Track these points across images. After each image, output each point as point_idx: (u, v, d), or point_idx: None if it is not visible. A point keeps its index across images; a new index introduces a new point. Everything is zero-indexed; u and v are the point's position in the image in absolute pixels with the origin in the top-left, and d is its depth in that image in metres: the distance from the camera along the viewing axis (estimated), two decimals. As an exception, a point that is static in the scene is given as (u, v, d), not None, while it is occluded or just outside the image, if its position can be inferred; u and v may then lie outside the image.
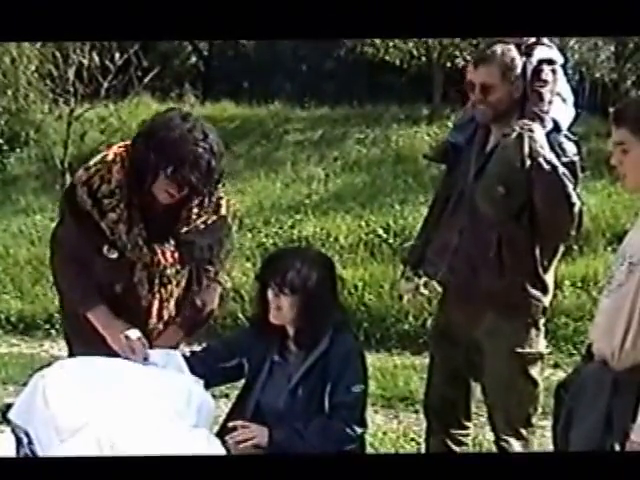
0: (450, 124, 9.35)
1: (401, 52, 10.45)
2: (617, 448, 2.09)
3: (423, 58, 10.61)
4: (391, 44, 10.36)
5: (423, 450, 3.14)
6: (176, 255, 2.65)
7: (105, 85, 9.12)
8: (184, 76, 14.38)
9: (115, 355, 2.58)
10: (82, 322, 2.62)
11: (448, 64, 10.19)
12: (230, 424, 2.54)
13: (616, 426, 2.10)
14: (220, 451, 2.38)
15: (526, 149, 2.53)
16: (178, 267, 2.66)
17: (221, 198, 2.69)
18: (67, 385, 2.38)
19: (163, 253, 2.62)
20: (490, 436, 3.34)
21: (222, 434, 2.55)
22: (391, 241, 6.49)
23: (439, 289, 2.90)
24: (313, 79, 13.20)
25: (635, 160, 2.14)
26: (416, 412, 4.05)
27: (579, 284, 5.61)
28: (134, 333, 2.59)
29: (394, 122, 10.15)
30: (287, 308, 2.53)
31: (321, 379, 2.51)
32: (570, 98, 2.79)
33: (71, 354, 2.74)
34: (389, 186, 8.17)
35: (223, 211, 2.69)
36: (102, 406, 2.34)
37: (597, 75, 9.94)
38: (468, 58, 9.47)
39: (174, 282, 2.67)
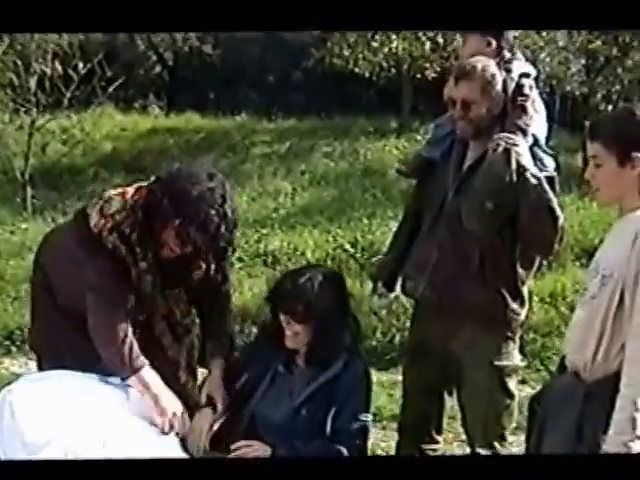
0: (419, 137, 9.44)
1: (370, 64, 10.40)
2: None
3: (392, 70, 10.60)
4: (360, 56, 10.31)
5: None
6: (186, 306, 2.64)
7: (68, 95, 8.98)
8: (148, 86, 14.28)
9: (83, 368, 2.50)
10: (57, 337, 2.57)
11: (418, 76, 10.15)
12: (233, 446, 2.48)
13: (587, 437, 2.11)
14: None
15: (513, 164, 2.54)
16: (193, 317, 2.66)
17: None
18: (34, 400, 2.35)
19: (176, 304, 2.61)
20: (459, 451, 3.34)
21: (214, 442, 2.52)
22: (359, 256, 6.44)
23: (407, 305, 2.88)
24: (280, 90, 13.18)
25: (607, 174, 2.17)
26: (384, 429, 4.02)
27: (547, 299, 5.59)
28: (178, 407, 2.50)
29: (362, 135, 10.16)
30: (301, 334, 2.52)
31: (327, 401, 2.50)
32: (543, 112, 2.81)
33: (40, 368, 2.67)
34: (357, 200, 8.15)
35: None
36: (70, 420, 2.32)
37: (567, 89, 10.02)
38: (438, 70, 9.54)
39: (193, 331, 2.67)
